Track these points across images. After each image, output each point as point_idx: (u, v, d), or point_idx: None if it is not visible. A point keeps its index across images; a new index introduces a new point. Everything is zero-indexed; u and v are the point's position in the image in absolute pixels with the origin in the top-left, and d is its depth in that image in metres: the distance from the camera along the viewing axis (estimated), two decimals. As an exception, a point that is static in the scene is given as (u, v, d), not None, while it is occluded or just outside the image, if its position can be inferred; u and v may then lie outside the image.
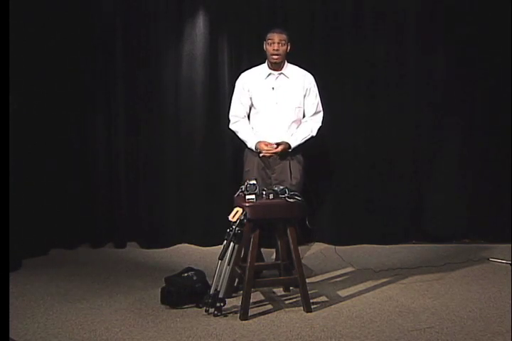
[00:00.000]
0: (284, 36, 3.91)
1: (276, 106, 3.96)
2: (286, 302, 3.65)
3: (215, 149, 4.88)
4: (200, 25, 4.80)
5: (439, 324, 3.27)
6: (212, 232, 4.77)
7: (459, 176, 4.98)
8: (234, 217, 3.43)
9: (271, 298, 3.71)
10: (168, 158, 4.90)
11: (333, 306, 3.56)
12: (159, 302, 3.57)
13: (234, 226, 3.43)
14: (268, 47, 3.92)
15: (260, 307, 3.53)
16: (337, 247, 4.70)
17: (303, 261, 4.09)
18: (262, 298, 3.70)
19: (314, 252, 4.78)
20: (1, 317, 2.38)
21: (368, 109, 4.89)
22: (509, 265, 4.28)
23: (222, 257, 3.44)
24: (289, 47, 3.94)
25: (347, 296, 3.73)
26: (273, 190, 3.54)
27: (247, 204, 3.42)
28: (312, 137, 4.03)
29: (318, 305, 3.57)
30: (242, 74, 4.08)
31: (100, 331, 3.19)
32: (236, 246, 3.45)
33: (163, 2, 4.80)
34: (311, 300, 3.53)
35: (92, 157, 4.89)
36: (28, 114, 4.45)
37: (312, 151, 4.15)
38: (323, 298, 3.70)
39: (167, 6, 4.80)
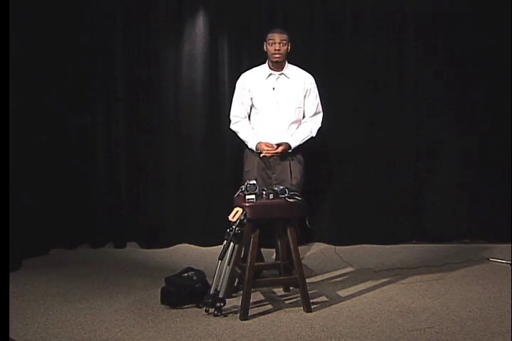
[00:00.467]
0: (285, 36, 3.91)
1: (276, 106, 3.96)
2: (286, 302, 3.65)
3: (215, 149, 4.88)
4: (200, 25, 4.80)
5: (439, 324, 3.27)
6: (212, 232, 4.77)
7: (458, 176, 4.98)
8: (234, 217, 3.43)
9: (271, 298, 3.71)
10: (168, 158, 4.90)
11: (333, 306, 3.56)
12: (159, 302, 3.57)
13: (234, 226, 3.43)
14: (269, 47, 3.93)
15: (260, 307, 3.53)
16: (337, 247, 4.71)
17: (303, 261, 4.09)
18: (262, 298, 3.70)
19: (314, 252, 4.78)
20: (1, 317, 2.38)
21: (368, 109, 4.90)
22: (509, 265, 4.27)
23: (222, 257, 3.44)
24: (289, 48, 3.94)
25: (347, 296, 3.73)
26: (273, 190, 3.54)
27: (247, 204, 3.42)
28: (312, 138, 4.03)
29: (318, 305, 3.57)
30: (243, 75, 4.08)
31: (100, 331, 3.19)
32: (236, 246, 3.45)
33: (163, 2, 4.80)
34: (311, 300, 3.52)
35: (92, 157, 4.89)
36: (28, 114, 4.45)
37: (312, 151, 4.15)
38: (323, 298, 3.70)
39: (167, 6, 4.80)
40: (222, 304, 3.40)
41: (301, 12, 4.81)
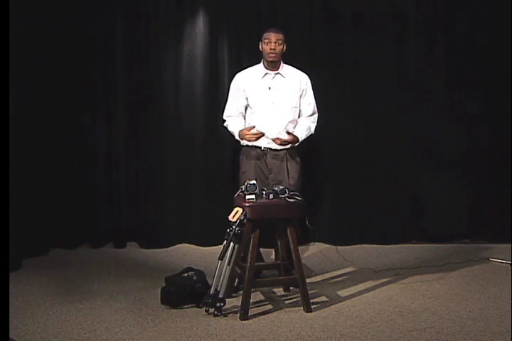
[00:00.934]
0: (280, 36, 3.90)
1: (272, 105, 3.94)
2: (286, 302, 3.65)
3: (215, 149, 4.88)
4: (200, 25, 4.80)
5: (439, 324, 3.27)
6: (212, 232, 4.77)
7: (458, 176, 4.98)
8: (234, 217, 3.43)
9: (271, 298, 3.71)
10: (168, 158, 4.90)
11: (333, 306, 3.56)
12: (159, 302, 3.57)
13: (234, 226, 3.43)
14: (265, 46, 3.92)
15: (260, 307, 3.53)
16: (337, 247, 4.71)
17: (303, 261, 4.08)
18: (262, 298, 3.70)
19: (314, 252, 4.78)
20: (1, 317, 2.38)
21: (367, 108, 4.90)
22: (509, 265, 4.27)
23: (222, 257, 3.44)
24: (285, 47, 3.93)
25: (347, 296, 3.73)
26: (273, 190, 3.54)
27: (247, 204, 3.42)
28: (311, 135, 4.03)
29: (318, 305, 3.57)
30: (238, 74, 4.07)
31: (100, 331, 3.19)
32: (236, 246, 3.45)
33: (163, 2, 4.80)
34: (311, 300, 3.53)
35: (92, 157, 4.89)
36: (28, 114, 4.45)
37: (311, 151, 4.16)
38: (323, 298, 3.70)
39: (167, 6, 4.80)
40: (222, 304, 3.40)
41: (301, 12, 4.81)
